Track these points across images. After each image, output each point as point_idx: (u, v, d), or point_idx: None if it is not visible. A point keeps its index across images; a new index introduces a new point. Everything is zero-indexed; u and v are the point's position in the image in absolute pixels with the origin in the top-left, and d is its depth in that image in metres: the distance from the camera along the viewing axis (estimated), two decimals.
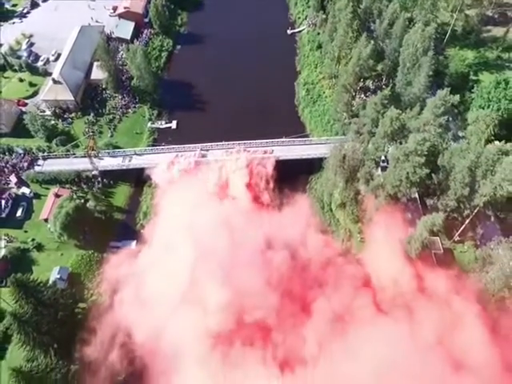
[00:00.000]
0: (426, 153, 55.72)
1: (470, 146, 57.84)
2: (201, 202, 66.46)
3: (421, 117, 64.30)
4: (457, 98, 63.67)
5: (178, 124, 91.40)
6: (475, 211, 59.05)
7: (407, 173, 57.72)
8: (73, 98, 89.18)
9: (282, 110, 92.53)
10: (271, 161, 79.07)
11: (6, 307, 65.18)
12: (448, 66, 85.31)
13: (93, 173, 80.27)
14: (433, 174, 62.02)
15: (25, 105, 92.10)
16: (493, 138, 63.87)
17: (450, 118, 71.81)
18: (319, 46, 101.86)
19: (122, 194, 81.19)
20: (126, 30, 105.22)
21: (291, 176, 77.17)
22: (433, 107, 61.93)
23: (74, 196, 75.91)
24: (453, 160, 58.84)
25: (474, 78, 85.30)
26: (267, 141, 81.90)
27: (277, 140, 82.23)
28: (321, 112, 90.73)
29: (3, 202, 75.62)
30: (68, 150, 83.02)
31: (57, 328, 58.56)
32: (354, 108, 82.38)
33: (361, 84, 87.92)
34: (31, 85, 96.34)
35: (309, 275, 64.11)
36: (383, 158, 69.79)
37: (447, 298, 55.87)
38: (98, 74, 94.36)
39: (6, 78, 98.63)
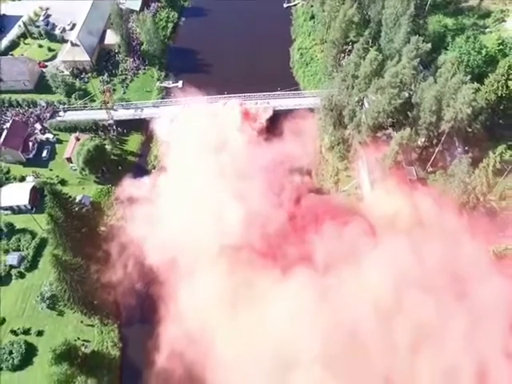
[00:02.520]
0: (398, 84, 65.41)
1: (437, 80, 67.54)
2: (208, 135, 75.99)
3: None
4: (428, 45, 73.15)
5: (183, 83, 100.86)
6: (443, 138, 68.77)
7: (384, 104, 67.47)
8: (89, 59, 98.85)
9: (278, 72, 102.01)
10: (269, 110, 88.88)
11: (38, 230, 75.27)
12: (427, 28, 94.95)
13: (108, 122, 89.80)
14: (408, 113, 71.92)
15: (45, 66, 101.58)
16: None
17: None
18: (312, 17, 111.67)
19: (134, 141, 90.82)
20: (135, 2, 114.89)
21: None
22: (407, 52, 71.66)
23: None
24: (424, 94, 68.56)
25: (451, 40, 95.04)
26: (264, 94, 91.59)
27: (273, 93, 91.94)
28: (313, 72, 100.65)
29: (30, 144, 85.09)
30: (86, 103, 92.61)
31: (82, 241, 68.04)
32: (341, 66, 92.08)
33: (349, 47, 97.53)
34: (50, 50, 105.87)
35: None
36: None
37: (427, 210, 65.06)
38: (110, 39, 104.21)
39: (26, 44, 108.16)
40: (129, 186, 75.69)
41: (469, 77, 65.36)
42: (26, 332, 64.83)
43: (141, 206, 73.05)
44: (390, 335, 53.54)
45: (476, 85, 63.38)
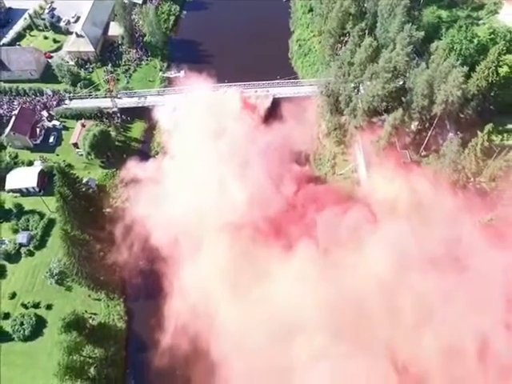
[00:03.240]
0: (392, 69, 68.38)
1: (429, 66, 70.53)
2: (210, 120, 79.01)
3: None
4: (421, 33, 76.40)
5: (185, 73, 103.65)
6: (435, 122, 71.74)
7: (378, 89, 70.42)
8: (93, 50, 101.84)
9: (278, 62, 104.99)
10: (268, 98, 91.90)
11: (46, 212, 78.26)
12: (421, 20, 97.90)
13: (113, 109, 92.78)
14: (402, 98, 74.86)
15: (50, 57, 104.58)
16: None
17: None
18: (310, 10, 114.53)
19: (138, 128, 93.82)
20: None
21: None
22: (401, 39, 74.65)
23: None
24: (416, 80, 71.51)
25: (445, 31, 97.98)
26: (264, 82, 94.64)
27: (272, 82, 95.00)
28: (311, 62, 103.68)
29: (37, 130, 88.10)
30: (90, 92, 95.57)
31: (89, 220, 71.03)
32: (338, 55, 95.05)
33: (346, 38, 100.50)
34: (55, 41, 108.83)
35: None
36: None
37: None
38: (114, 31, 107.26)
39: (32, 36, 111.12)
40: (133, 167, 78.41)
41: (459, 61, 68.28)
42: (36, 306, 67.83)
43: (145, 187, 75.86)
44: (392, 307, 55.63)
45: (465, 68, 66.04)
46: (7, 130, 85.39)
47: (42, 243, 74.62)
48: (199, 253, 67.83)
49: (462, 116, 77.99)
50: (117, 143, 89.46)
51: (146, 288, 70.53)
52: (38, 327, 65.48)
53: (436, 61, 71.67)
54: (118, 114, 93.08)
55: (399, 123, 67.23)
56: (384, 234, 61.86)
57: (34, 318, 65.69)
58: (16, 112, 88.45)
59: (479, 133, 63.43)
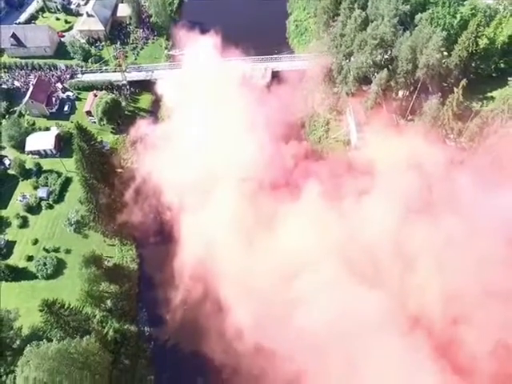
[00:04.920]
0: (378, 36, 75.51)
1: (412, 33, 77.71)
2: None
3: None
4: (407, 7, 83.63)
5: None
6: (419, 85, 78.83)
7: (367, 55, 77.55)
8: (103, 29, 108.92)
9: (276, 41, 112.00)
10: (268, 71, 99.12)
11: (63, 171, 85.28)
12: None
13: (122, 82, 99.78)
14: (389, 66, 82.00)
15: (62, 36, 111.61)
16: None
17: None
18: None
19: (146, 100, 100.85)
20: None
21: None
22: (388, 12, 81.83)
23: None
24: (401, 47, 78.62)
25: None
26: (263, 57, 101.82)
27: (271, 56, 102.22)
28: (307, 41, 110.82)
29: (53, 99, 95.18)
30: (101, 67, 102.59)
31: (104, 175, 77.79)
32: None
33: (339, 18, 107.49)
34: (66, 22, 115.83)
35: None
36: None
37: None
38: (122, 12, 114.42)
39: (44, 17, 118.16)
40: (143, 126, 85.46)
41: (439, 29, 75.46)
42: (56, 250, 74.79)
43: (154, 145, 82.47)
44: (398, 249, 59.99)
45: (444, 33, 73.25)
46: (26, 98, 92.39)
47: (60, 198, 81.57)
48: (204, 203, 74.61)
49: (445, 85, 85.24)
50: (126, 112, 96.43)
51: (155, 236, 77.30)
52: (59, 267, 72.40)
53: (418, 28, 78.80)
54: (128, 87, 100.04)
55: (384, 84, 74.13)
56: (381, 183, 67.24)
57: (55, 260, 72.63)
58: (33, 82, 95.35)
59: (455, 89, 70.48)
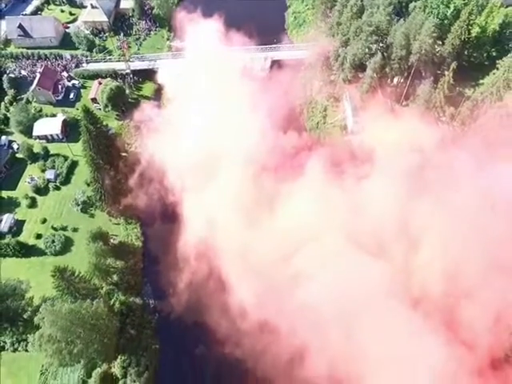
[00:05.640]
0: (374, 24, 78.53)
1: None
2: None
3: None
4: None
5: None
6: (412, 71, 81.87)
7: (362, 42, 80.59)
8: (107, 20, 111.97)
9: (275, 32, 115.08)
10: (267, 60, 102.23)
11: (69, 155, 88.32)
12: None
13: (126, 71, 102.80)
14: (384, 53, 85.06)
15: (67, 27, 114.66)
16: None
17: None
18: None
19: (149, 88, 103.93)
20: None
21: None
22: (383, 1, 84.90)
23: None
24: (396, 34, 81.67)
25: None
26: (263, 47, 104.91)
27: (271, 46, 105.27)
28: (305, 32, 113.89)
29: (59, 87, 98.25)
30: (105, 57, 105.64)
31: (109, 157, 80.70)
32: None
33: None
34: (71, 14, 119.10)
35: None
36: None
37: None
38: (125, 4, 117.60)
39: (50, 9, 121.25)
40: (147, 109, 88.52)
41: (431, 16, 78.51)
42: (64, 228, 77.80)
43: (157, 129, 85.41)
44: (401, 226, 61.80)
45: (437, 20, 76.32)
46: (33, 85, 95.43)
47: (66, 180, 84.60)
48: (206, 184, 77.54)
49: (439, 72, 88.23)
50: (130, 100, 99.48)
51: (159, 215, 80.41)
52: (67, 245, 75.41)
53: (412, 16, 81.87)
54: (131, 75, 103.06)
55: (379, 68, 77.14)
56: (379, 164, 69.77)
57: (63, 237, 75.65)
58: (40, 70, 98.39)
59: (446, 72, 73.53)
